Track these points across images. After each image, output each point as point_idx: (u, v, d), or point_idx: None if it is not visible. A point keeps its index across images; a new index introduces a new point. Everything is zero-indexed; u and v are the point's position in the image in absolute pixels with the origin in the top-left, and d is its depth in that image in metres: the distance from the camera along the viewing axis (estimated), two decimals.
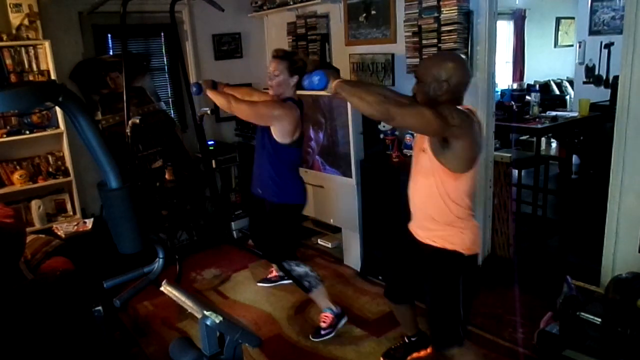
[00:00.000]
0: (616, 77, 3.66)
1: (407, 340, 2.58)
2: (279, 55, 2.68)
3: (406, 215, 3.17)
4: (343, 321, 2.92)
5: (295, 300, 3.26)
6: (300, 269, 2.84)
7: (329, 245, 4.05)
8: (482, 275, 3.41)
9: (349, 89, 1.83)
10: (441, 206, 1.94)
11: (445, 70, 1.88)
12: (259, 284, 3.51)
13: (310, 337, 2.85)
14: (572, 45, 7.07)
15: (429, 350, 2.55)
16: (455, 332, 2.10)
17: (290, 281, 3.22)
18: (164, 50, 4.51)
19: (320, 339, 2.83)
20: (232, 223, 4.43)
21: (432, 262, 2.04)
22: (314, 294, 2.87)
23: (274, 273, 3.50)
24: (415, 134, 2.44)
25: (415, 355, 2.58)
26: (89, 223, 3.56)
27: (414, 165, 2.06)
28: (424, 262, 2.09)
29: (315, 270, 2.90)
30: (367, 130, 3.41)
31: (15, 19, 3.50)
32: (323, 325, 2.87)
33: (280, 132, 2.62)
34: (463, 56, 1.99)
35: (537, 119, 4.47)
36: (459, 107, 1.86)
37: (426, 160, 1.93)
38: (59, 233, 3.41)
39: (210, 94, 2.71)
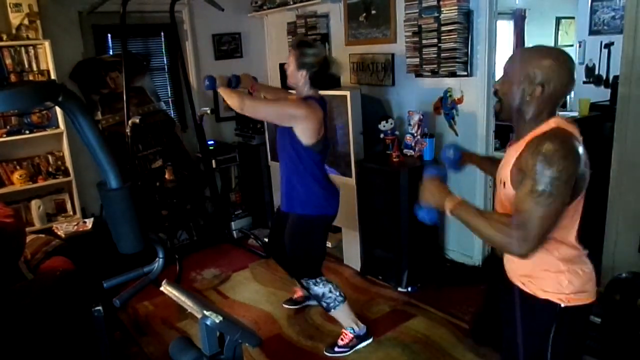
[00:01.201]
0: (616, 77, 3.67)
1: None
2: (292, 44, 2.53)
3: (406, 216, 3.19)
4: (366, 342, 2.74)
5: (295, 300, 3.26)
6: (319, 289, 2.63)
7: (329, 245, 4.04)
8: (482, 275, 3.41)
9: (465, 214, 1.50)
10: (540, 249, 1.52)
11: (543, 70, 1.42)
12: (284, 305, 3.21)
13: (324, 351, 2.73)
14: (572, 45, 7.06)
15: None
16: None
17: (315, 303, 3.02)
18: (164, 50, 4.51)
19: (333, 355, 2.70)
20: (232, 223, 4.43)
21: (514, 303, 1.64)
22: (334, 313, 2.71)
23: (299, 293, 3.21)
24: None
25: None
26: (89, 223, 3.56)
27: (497, 201, 1.68)
28: (510, 304, 1.67)
29: (338, 289, 2.69)
30: (367, 130, 3.42)
31: (15, 18, 3.50)
32: (340, 342, 2.72)
33: (302, 133, 2.42)
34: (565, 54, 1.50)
35: None
36: (558, 131, 1.43)
37: (506, 192, 1.53)
38: (59, 233, 3.41)
39: (223, 92, 2.44)
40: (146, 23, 4.26)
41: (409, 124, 3.45)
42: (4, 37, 3.45)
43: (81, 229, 3.48)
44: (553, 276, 1.55)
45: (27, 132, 3.62)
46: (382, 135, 3.51)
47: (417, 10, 3.35)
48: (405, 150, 3.44)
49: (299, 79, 2.48)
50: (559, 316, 1.55)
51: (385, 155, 3.45)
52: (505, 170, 1.52)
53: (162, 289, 1.63)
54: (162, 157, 4.10)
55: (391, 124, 3.49)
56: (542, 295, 1.56)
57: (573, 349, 1.64)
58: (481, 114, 3.28)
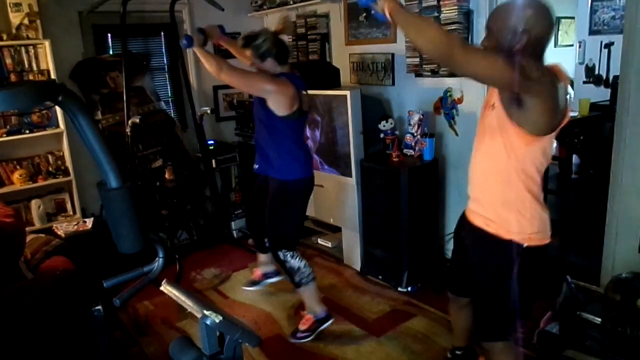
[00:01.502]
0: (616, 77, 3.67)
1: (450, 356, 2.37)
2: (241, 44, 2.63)
3: (406, 216, 3.19)
4: (326, 325, 2.82)
5: (295, 300, 3.25)
6: (295, 262, 2.73)
7: (329, 245, 4.05)
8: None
9: (405, 16, 1.53)
10: (506, 177, 1.65)
11: (525, 19, 1.54)
12: (244, 288, 3.34)
13: (289, 338, 2.81)
14: (572, 45, 7.06)
15: None
16: (501, 326, 1.82)
17: (275, 279, 3.29)
18: (164, 50, 4.52)
19: (297, 342, 2.77)
20: (232, 223, 4.43)
21: (482, 248, 1.77)
22: (302, 290, 2.79)
23: (258, 273, 3.33)
24: (486, 88, 2.14)
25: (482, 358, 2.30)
26: (89, 223, 3.56)
27: (479, 129, 1.78)
28: (472, 247, 1.83)
29: (310, 267, 2.80)
30: (367, 130, 3.42)
31: (15, 18, 3.50)
32: (302, 327, 2.80)
33: (276, 105, 2.54)
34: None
35: None
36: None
37: (493, 117, 1.64)
38: (58, 233, 3.41)
39: (200, 52, 2.51)
40: (146, 23, 4.26)
41: (409, 124, 3.45)
42: (4, 36, 3.45)
43: (81, 229, 3.48)
44: (517, 217, 1.66)
45: (27, 132, 3.62)
46: (382, 135, 3.51)
47: (417, 10, 3.35)
48: (405, 150, 3.44)
49: (269, 67, 2.59)
50: (521, 255, 1.67)
51: (385, 155, 3.45)
52: (493, 96, 1.65)
53: (162, 288, 1.63)
54: (162, 157, 4.11)
55: (391, 123, 3.49)
56: (505, 235, 1.68)
57: (532, 285, 1.77)
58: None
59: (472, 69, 1.49)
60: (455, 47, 1.45)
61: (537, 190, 1.67)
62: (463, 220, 1.92)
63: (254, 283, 3.32)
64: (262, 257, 3.24)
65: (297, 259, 2.74)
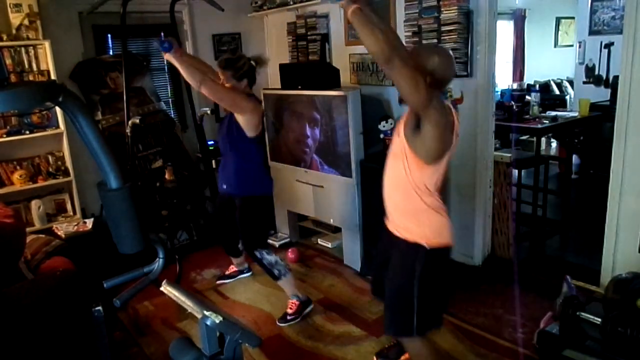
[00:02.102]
0: (616, 77, 3.66)
1: (397, 340, 2.55)
2: (222, 65, 2.82)
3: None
4: (309, 308, 3.10)
5: None
6: (271, 257, 2.99)
7: (329, 245, 4.05)
8: (482, 275, 3.42)
9: (362, 19, 1.74)
10: (406, 192, 1.98)
11: (432, 63, 1.89)
12: (218, 282, 3.58)
13: (277, 322, 3.01)
14: (572, 45, 7.06)
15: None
16: (408, 322, 2.04)
17: (248, 274, 3.62)
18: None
19: (286, 324, 2.99)
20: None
21: (397, 252, 2.07)
22: (283, 281, 3.03)
23: (233, 268, 3.60)
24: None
25: (407, 355, 2.51)
26: (89, 223, 3.56)
27: (389, 153, 2.11)
28: (391, 251, 2.11)
29: (283, 260, 3.11)
30: (367, 130, 3.42)
31: (15, 19, 3.50)
32: (290, 311, 3.03)
33: (248, 126, 2.82)
34: (452, 53, 2.07)
35: (537, 119, 4.47)
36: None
37: (398, 144, 1.98)
38: (59, 233, 3.41)
39: (179, 62, 2.61)
40: (146, 23, 4.25)
41: None
42: (4, 37, 3.45)
43: (81, 229, 3.49)
44: (417, 224, 2.00)
45: (27, 132, 3.62)
46: (382, 135, 3.51)
47: (417, 11, 3.36)
48: None
49: (243, 87, 2.85)
50: (426, 256, 1.97)
51: (385, 156, 3.42)
52: (400, 127, 1.97)
53: (162, 289, 1.64)
54: (162, 157, 4.11)
55: (391, 124, 3.49)
56: (411, 239, 2.00)
57: (437, 286, 2.05)
58: (481, 114, 3.28)
59: (400, 80, 1.75)
60: (395, 58, 1.70)
61: (433, 201, 1.99)
62: (385, 230, 2.18)
63: (227, 277, 3.61)
64: (235, 260, 3.56)
65: (272, 255, 3.01)
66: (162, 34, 2.62)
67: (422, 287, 1.99)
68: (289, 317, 3.02)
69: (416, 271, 1.98)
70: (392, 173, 2.05)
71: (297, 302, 3.05)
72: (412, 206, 1.99)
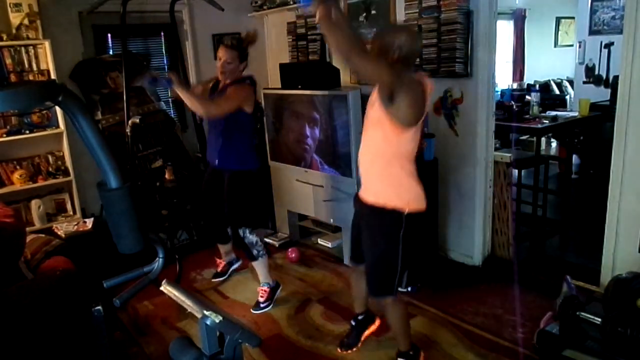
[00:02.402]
0: (616, 77, 3.66)
1: (354, 323, 2.73)
2: (230, 45, 2.96)
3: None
4: (278, 291, 3.25)
5: (295, 300, 3.26)
6: (253, 237, 3.10)
7: (329, 245, 4.05)
8: (482, 275, 3.42)
9: (328, 26, 1.93)
10: (386, 160, 2.14)
11: (398, 41, 2.09)
12: (213, 280, 3.60)
13: (251, 311, 3.13)
14: (572, 45, 7.06)
15: (377, 323, 2.76)
16: (390, 282, 2.29)
17: (237, 264, 3.67)
18: (164, 50, 4.52)
19: (261, 312, 3.13)
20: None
21: (376, 219, 2.23)
22: (259, 262, 3.14)
23: (222, 264, 3.64)
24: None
25: (367, 333, 2.74)
26: (89, 223, 3.56)
27: (365, 124, 2.23)
28: (368, 221, 2.28)
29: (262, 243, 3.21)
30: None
31: (15, 18, 3.50)
32: (261, 299, 3.16)
33: (248, 102, 2.96)
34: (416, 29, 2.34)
35: (537, 119, 4.47)
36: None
37: (375, 113, 2.11)
38: (59, 233, 3.41)
39: (185, 95, 2.73)
40: (146, 23, 4.25)
41: None
42: (4, 37, 3.45)
43: (81, 229, 3.48)
44: (396, 190, 2.16)
45: (27, 132, 3.62)
46: None
47: (417, 10, 3.35)
48: None
49: (242, 67, 3.02)
50: (405, 221, 2.16)
51: None
52: (373, 98, 2.13)
53: (162, 289, 1.64)
54: (162, 157, 4.10)
55: None
56: (390, 204, 2.15)
57: (411, 246, 2.25)
58: (481, 114, 3.28)
59: (364, 71, 2.03)
60: (354, 53, 1.90)
61: (410, 168, 2.16)
62: (358, 202, 2.33)
63: (220, 274, 3.62)
64: (223, 247, 3.59)
65: (255, 234, 3.12)
66: (163, 74, 2.90)
67: (402, 250, 2.20)
68: (262, 305, 3.14)
69: (398, 235, 2.18)
70: (372, 142, 2.18)
71: (267, 290, 3.17)
72: (392, 173, 2.15)
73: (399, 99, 1.96)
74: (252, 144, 3.17)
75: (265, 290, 3.18)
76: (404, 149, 2.12)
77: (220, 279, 3.60)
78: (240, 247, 3.18)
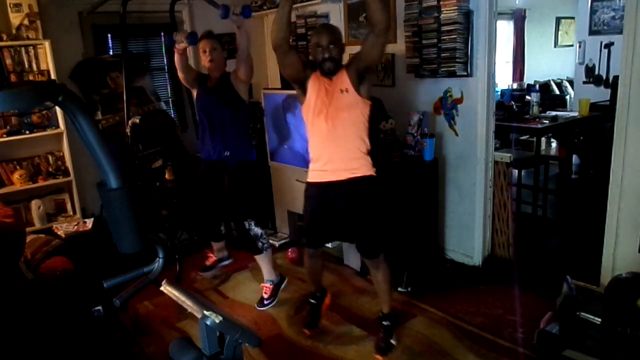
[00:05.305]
0: (616, 77, 3.66)
1: (313, 300, 2.89)
2: (208, 34, 3.09)
3: (395, 211, 3.19)
4: (284, 285, 3.28)
5: (295, 300, 3.26)
6: (258, 230, 3.14)
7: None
8: (482, 275, 3.42)
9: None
10: (362, 136, 2.47)
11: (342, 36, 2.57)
12: (201, 274, 3.62)
13: (256, 307, 3.17)
14: (572, 45, 7.07)
15: (329, 296, 2.96)
16: (383, 241, 2.58)
17: (227, 262, 3.66)
18: (164, 50, 4.51)
19: (265, 308, 3.15)
20: (232, 223, 4.42)
21: (358, 191, 2.48)
22: (263, 255, 3.17)
23: (213, 258, 3.63)
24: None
25: (324, 308, 2.93)
26: (89, 223, 3.56)
27: (330, 113, 2.43)
28: (349, 196, 2.49)
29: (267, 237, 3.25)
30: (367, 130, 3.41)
31: (15, 18, 3.50)
32: (265, 296, 3.19)
33: (245, 89, 3.07)
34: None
35: (537, 119, 4.47)
36: None
37: (348, 97, 2.41)
38: (59, 233, 3.41)
39: (245, 32, 2.90)
40: (146, 23, 4.25)
41: (409, 124, 3.45)
42: (4, 37, 3.46)
43: (81, 229, 3.49)
44: (367, 160, 2.51)
45: (27, 132, 3.63)
46: (382, 135, 3.50)
47: (417, 10, 3.35)
48: (405, 151, 3.44)
49: (225, 58, 3.16)
50: (376, 183, 2.52)
51: (385, 156, 3.45)
52: (344, 83, 2.43)
53: (162, 289, 1.64)
54: (162, 157, 4.10)
55: (391, 124, 3.48)
56: (363, 173, 2.48)
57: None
58: (481, 114, 3.28)
59: (385, 43, 2.45)
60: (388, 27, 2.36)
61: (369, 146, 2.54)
62: (324, 187, 2.53)
63: (209, 268, 3.63)
64: (216, 245, 3.60)
65: (260, 227, 3.16)
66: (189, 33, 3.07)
67: (381, 207, 2.52)
68: (265, 302, 3.17)
69: (377, 196, 2.51)
70: (349, 123, 2.44)
71: (271, 286, 3.20)
72: (364, 146, 2.49)
73: (369, 76, 2.42)
74: (249, 135, 3.24)
75: (268, 287, 3.20)
76: (368, 122, 2.48)
77: (208, 272, 3.61)
78: (243, 246, 3.17)
